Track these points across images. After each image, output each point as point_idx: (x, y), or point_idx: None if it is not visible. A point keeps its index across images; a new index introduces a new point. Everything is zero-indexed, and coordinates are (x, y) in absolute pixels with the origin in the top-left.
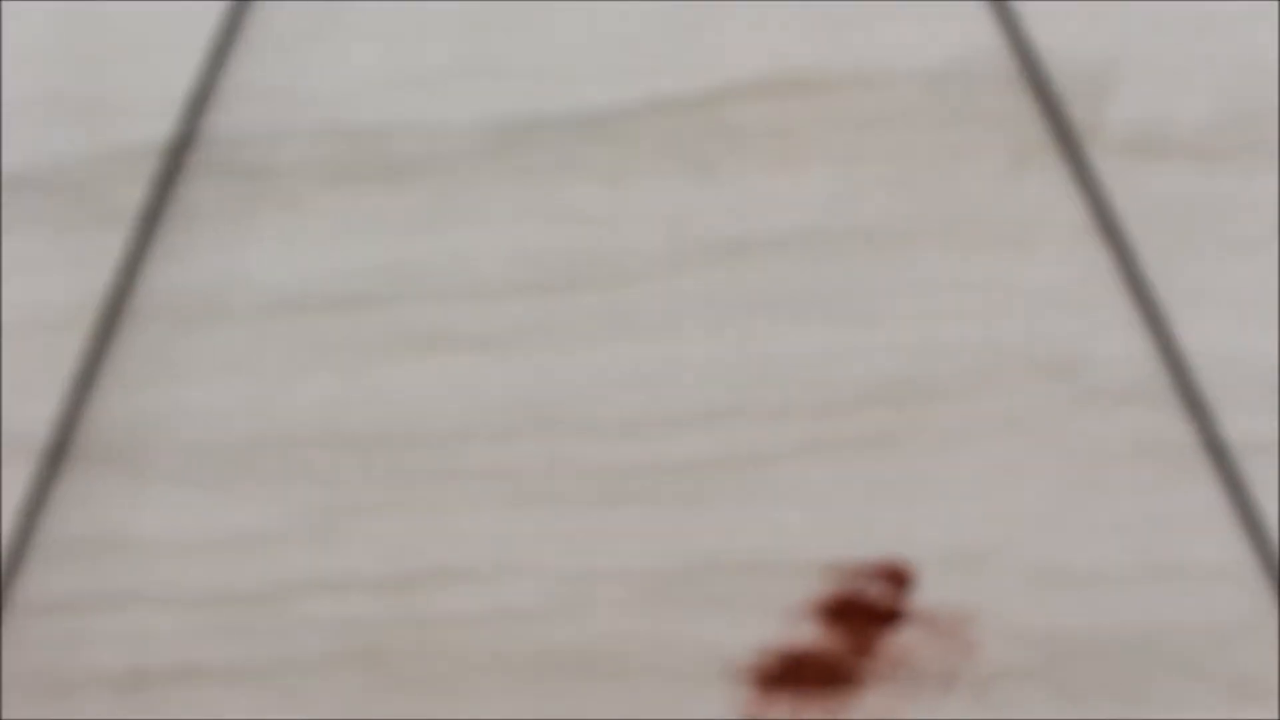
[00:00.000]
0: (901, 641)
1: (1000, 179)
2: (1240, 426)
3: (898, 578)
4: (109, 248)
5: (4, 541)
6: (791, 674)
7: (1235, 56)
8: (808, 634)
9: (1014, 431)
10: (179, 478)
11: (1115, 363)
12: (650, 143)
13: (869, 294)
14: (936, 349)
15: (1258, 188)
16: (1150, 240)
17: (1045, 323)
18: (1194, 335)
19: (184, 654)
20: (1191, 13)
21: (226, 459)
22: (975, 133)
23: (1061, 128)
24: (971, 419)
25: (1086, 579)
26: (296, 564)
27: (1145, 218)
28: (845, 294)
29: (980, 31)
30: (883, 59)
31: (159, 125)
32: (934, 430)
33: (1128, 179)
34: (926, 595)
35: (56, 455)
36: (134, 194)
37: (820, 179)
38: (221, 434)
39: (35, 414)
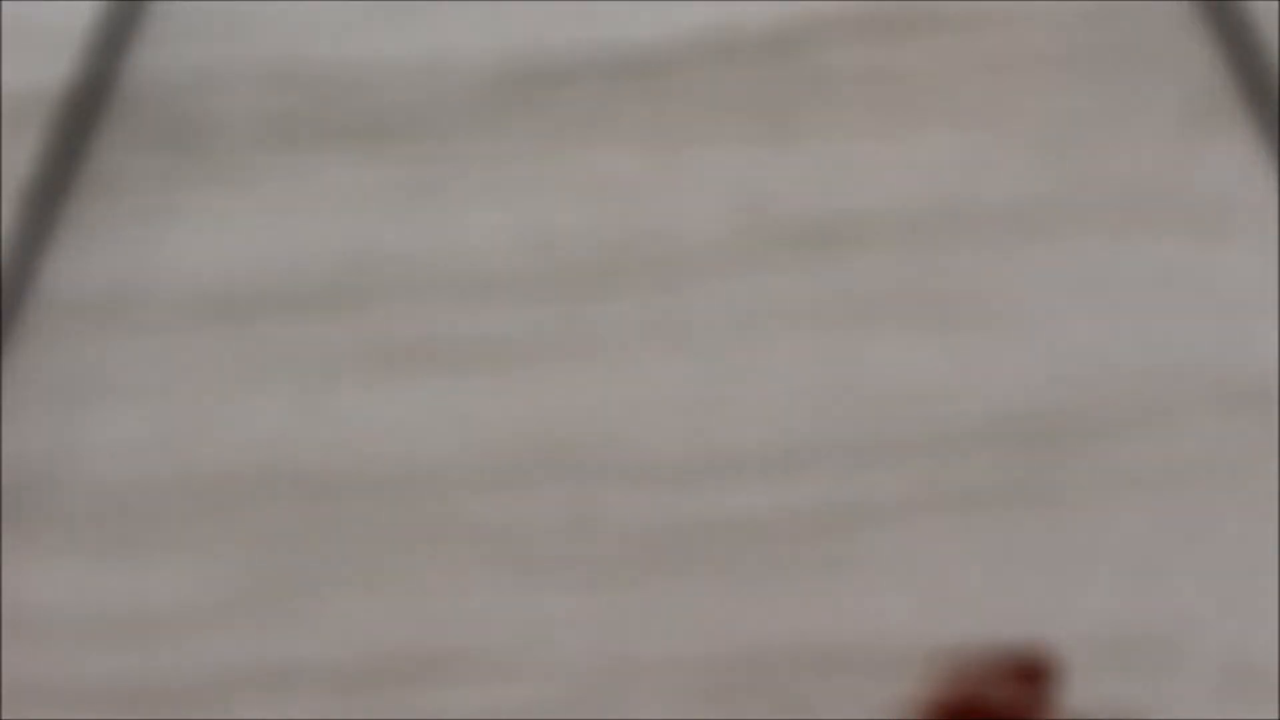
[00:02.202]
0: None
1: (1174, 145)
2: None
3: (1036, 673)
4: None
5: None
6: None
7: None
8: None
9: (1195, 479)
10: (84, 538)
11: None
12: (708, 94)
13: (996, 297)
14: (1089, 370)
15: None
16: None
17: (1234, 335)
18: None
19: None
20: None
21: (144, 512)
22: (1140, 84)
23: (1254, 76)
24: (1140, 461)
25: None
26: (234, 651)
27: None
28: (966, 297)
29: None
30: None
31: (56, 66)
32: (1086, 478)
33: None
34: (1076, 696)
35: None
36: (22, 158)
37: (935, 145)
38: (138, 479)
39: None
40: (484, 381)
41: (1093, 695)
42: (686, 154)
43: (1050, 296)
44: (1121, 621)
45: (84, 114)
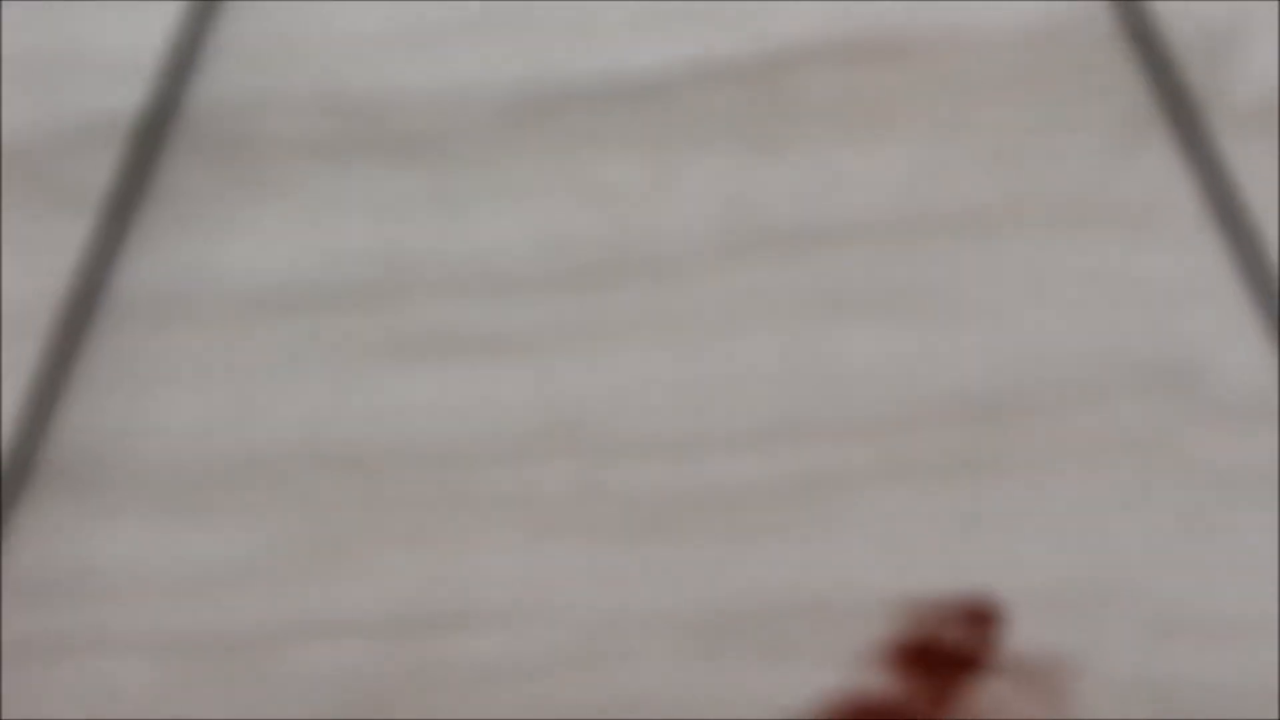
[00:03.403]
0: (987, 693)
1: (1107, 156)
2: None
3: (984, 618)
4: (71, 238)
5: None
6: None
7: None
8: (877, 683)
9: (1123, 452)
10: (150, 504)
11: (1240, 371)
12: (700, 114)
13: (954, 291)
14: (1033, 355)
15: None
16: None
17: (1159, 325)
18: None
19: (153, 706)
20: None
21: (205, 481)
22: (1078, 102)
23: (1177, 95)
24: (1074, 437)
25: (1206, 624)
26: (283, 605)
27: (1275, 200)
28: (927, 291)
29: None
30: (972, 19)
31: (129, 94)
32: (1030, 449)
33: (1254, 155)
34: (1018, 639)
35: (11, 481)
36: (100, 175)
37: (900, 157)
38: (200, 452)
39: None
40: (500, 367)
41: (1034, 639)
42: (679, 166)
43: (999, 291)
44: (1059, 575)
45: (153, 135)
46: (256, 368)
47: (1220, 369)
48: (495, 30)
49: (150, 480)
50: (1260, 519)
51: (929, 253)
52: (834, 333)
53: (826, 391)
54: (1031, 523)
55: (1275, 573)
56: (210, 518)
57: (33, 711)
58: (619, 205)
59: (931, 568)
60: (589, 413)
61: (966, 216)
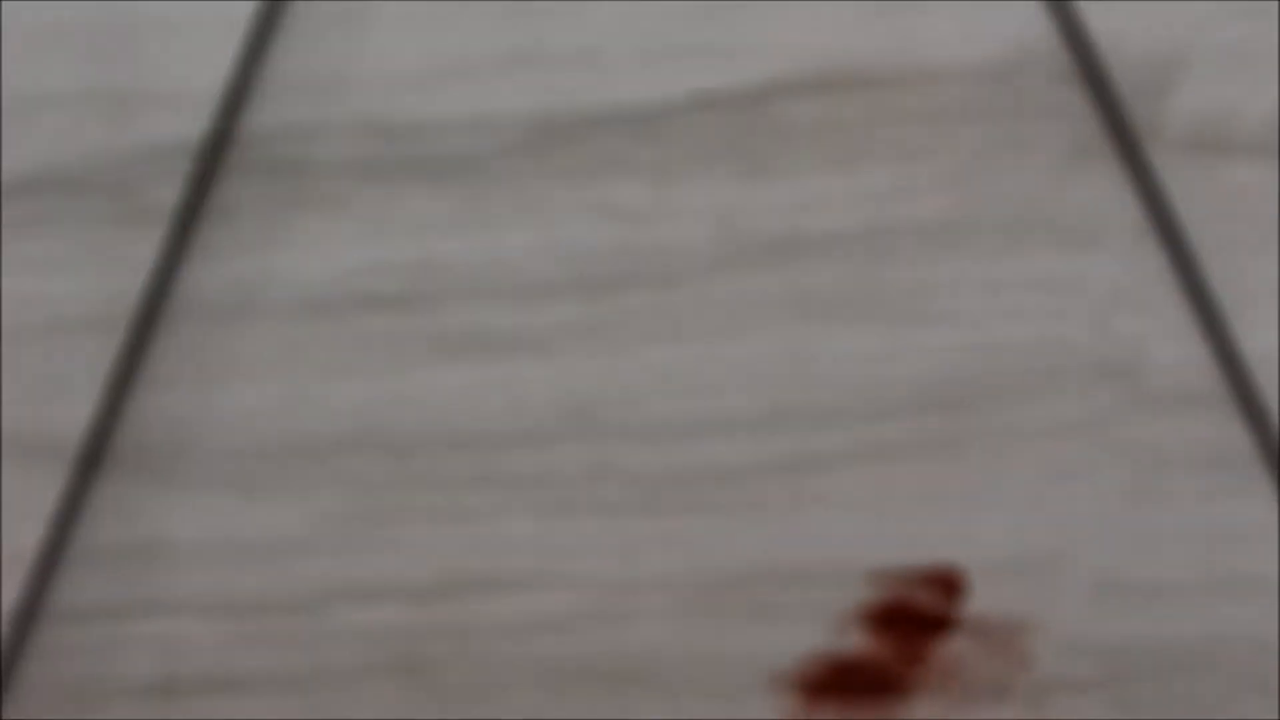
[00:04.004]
0: (952, 651)
1: (1056, 177)
2: None
3: (949, 585)
4: (143, 247)
5: (36, 550)
6: (838, 683)
7: None
8: (855, 642)
9: (1071, 436)
10: (213, 483)
11: (1175, 366)
12: (697, 140)
13: (922, 294)
14: (991, 351)
15: None
16: (1212, 240)
17: (1103, 325)
18: (1255, 339)
19: (216, 663)
20: (1254, 4)
21: (261, 463)
22: (1030, 129)
23: (1119, 124)
24: (1028, 423)
25: (1147, 589)
26: (332, 572)
27: (1206, 217)
28: (898, 295)
29: (1035, 25)
30: (935, 54)
31: (193, 121)
32: (989, 435)
33: (1188, 177)
34: (979, 603)
35: (89, 461)
36: (168, 192)
37: (872, 176)
38: (257, 438)
39: (68, 419)
40: (522, 363)
41: (992, 603)
42: (679, 186)
43: (959, 295)
44: (1014, 545)
45: (214, 158)
46: (306, 363)
47: (1155, 364)
48: (520, 65)
49: (213, 462)
50: (1191, 494)
51: (898, 262)
52: (814, 332)
53: (808, 384)
54: (989, 499)
55: (1206, 541)
56: (266, 495)
57: (110, 666)
58: (626, 220)
59: (901, 540)
60: (600, 402)
61: (930, 229)
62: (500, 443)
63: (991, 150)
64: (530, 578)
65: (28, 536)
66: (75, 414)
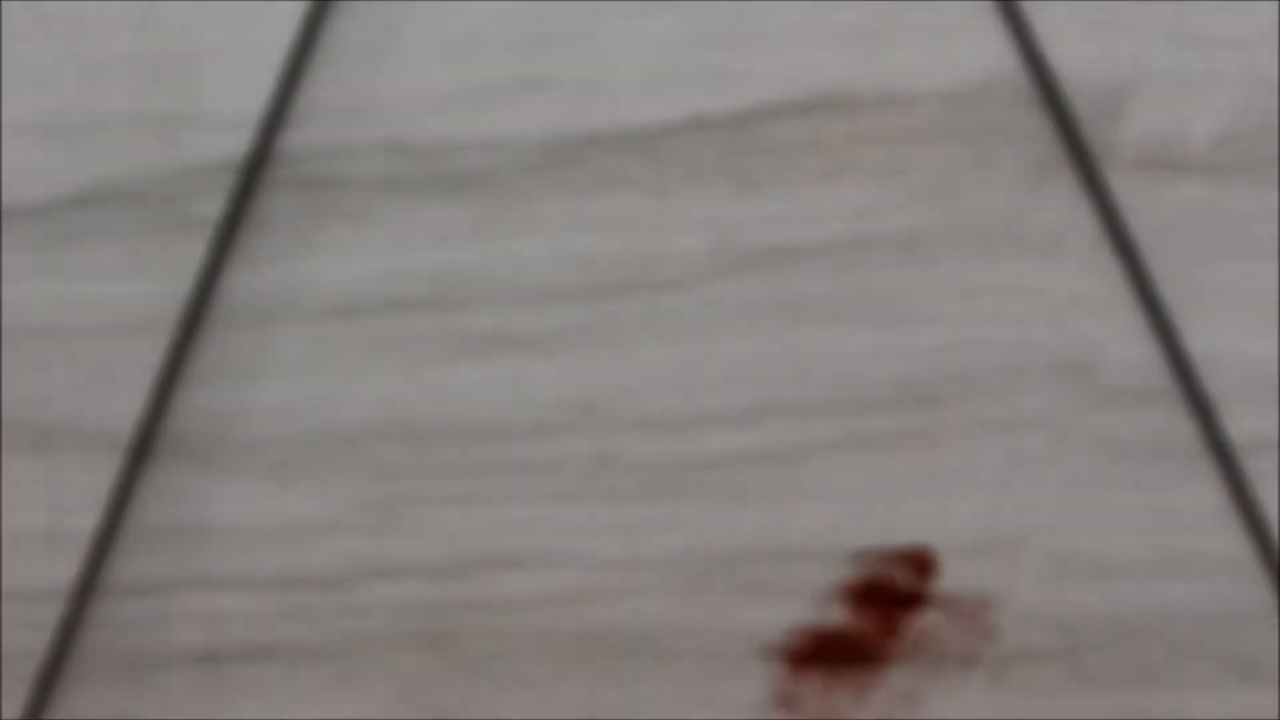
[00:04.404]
0: (924, 623)
1: (1020, 192)
2: (1244, 426)
3: (921, 564)
4: (188, 256)
5: (93, 531)
6: (821, 653)
7: (1243, 74)
8: (837, 616)
9: (1033, 429)
10: (252, 470)
11: (1128, 365)
12: (693, 158)
13: (898, 299)
14: (961, 351)
15: (1266, 201)
16: (1161, 250)
17: (1063, 327)
18: (1201, 340)
19: (256, 634)
20: (1201, 33)
21: (295, 452)
22: (996, 149)
23: (1076, 144)
24: (994, 416)
25: (1101, 567)
26: (359, 551)
27: (1157, 229)
28: (876, 299)
29: (1000, 54)
30: (909, 80)
31: (235, 141)
32: (959, 427)
33: (1140, 193)
34: (948, 581)
35: (140, 450)
36: (212, 206)
37: (852, 192)
38: (291, 429)
39: (121, 412)
40: (532, 361)
41: (961, 580)
42: (677, 200)
43: (933, 300)
44: (980, 528)
45: (254, 174)
46: (336, 361)
47: (1110, 363)
48: (531, 90)
49: (252, 451)
50: (1142, 481)
51: (876, 269)
52: (800, 334)
53: (794, 381)
54: (958, 486)
55: (1154, 524)
56: (300, 481)
57: (160, 636)
58: (628, 231)
59: (878, 523)
60: (603, 398)
61: (906, 240)
62: (512, 434)
63: (961, 168)
64: (540, 557)
65: (85, 519)
66: (127, 407)
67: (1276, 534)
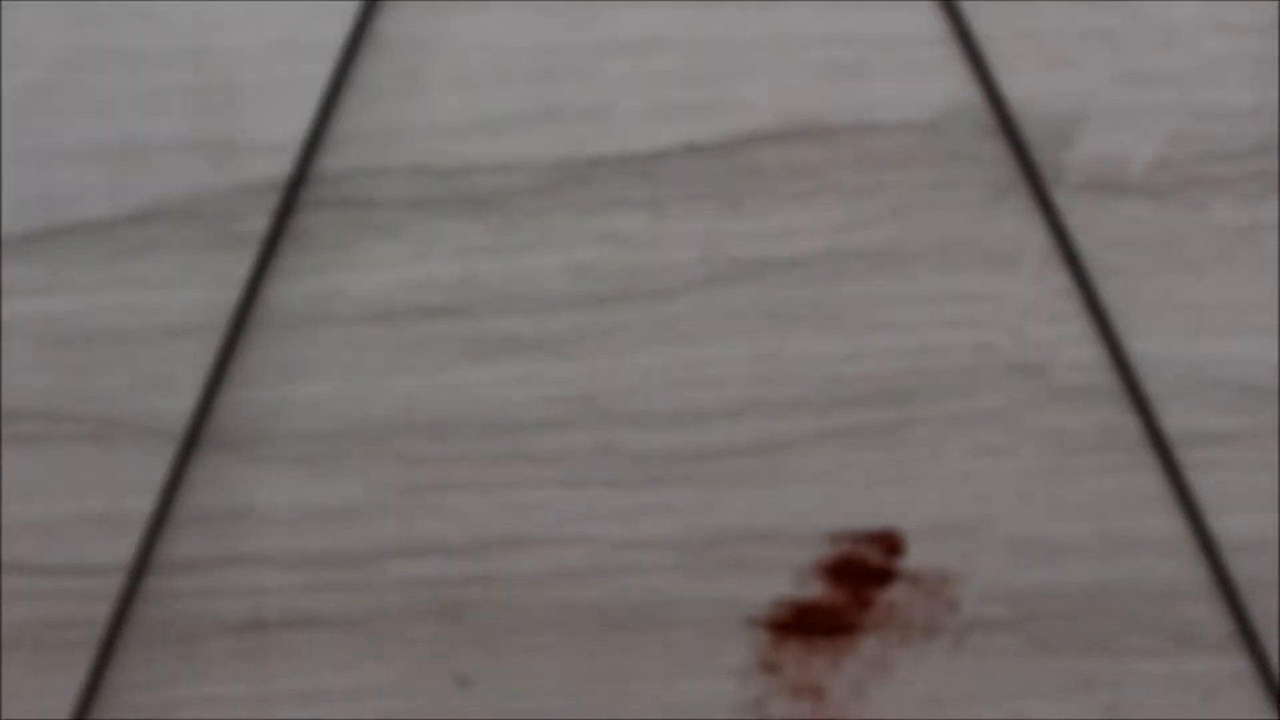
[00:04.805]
0: (893, 597)
1: (979, 211)
2: (1180, 421)
3: (890, 544)
4: (235, 268)
5: (147, 514)
6: (801, 623)
7: (1178, 107)
8: (815, 590)
9: (991, 423)
10: (290, 460)
11: (1076, 366)
12: (686, 180)
13: (870, 307)
14: (926, 354)
15: (1198, 219)
16: (1106, 263)
17: (1018, 332)
18: (1142, 344)
19: (293, 606)
20: (1140, 70)
21: (329, 444)
22: (958, 172)
23: (1029, 168)
24: (956, 412)
25: (1051, 547)
26: (384, 532)
27: (1101, 244)
28: (850, 307)
29: (962, 88)
30: (880, 111)
31: (278, 164)
32: (924, 422)
33: (1086, 212)
34: (915, 559)
35: (190, 441)
36: (257, 223)
37: (828, 210)
38: (325, 423)
39: (173, 407)
40: (542, 362)
41: (926, 559)
42: (672, 218)
43: (901, 308)
44: (944, 512)
45: (294, 194)
46: (365, 362)
47: (1061, 364)
48: (542, 119)
49: (290, 442)
50: (1089, 469)
51: (850, 280)
52: (782, 338)
53: (777, 380)
54: (924, 474)
55: (1101, 508)
56: (332, 469)
57: (207, 608)
58: (628, 246)
59: (852, 507)
60: (605, 394)
61: (877, 254)
62: (523, 427)
63: (926, 189)
64: (548, 537)
65: (140, 502)
66: (179, 403)
67: (1208, 517)
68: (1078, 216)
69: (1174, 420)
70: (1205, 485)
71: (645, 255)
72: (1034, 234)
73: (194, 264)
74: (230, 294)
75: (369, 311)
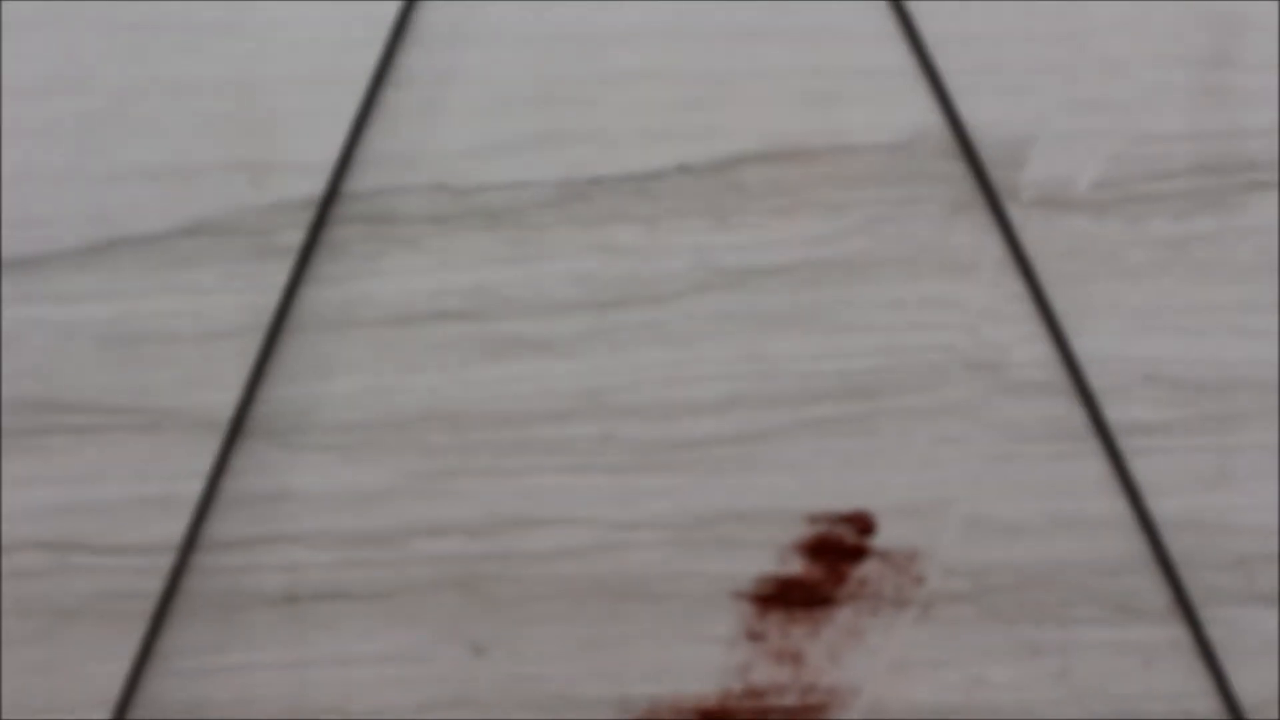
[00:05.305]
0: (864, 572)
1: (942, 225)
2: (1122, 412)
3: (862, 524)
4: (274, 276)
5: (195, 496)
6: (782, 596)
7: (1119, 131)
8: (794, 566)
9: (952, 415)
10: (324, 448)
11: (1028, 363)
12: (679, 197)
13: (843, 310)
14: (894, 352)
15: (1136, 232)
16: (1055, 271)
17: (976, 333)
18: (1087, 343)
19: (326, 580)
20: (1087, 98)
21: (359, 434)
22: (923, 190)
23: (986, 186)
24: (921, 405)
25: (1006, 526)
26: (409, 513)
27: (1051, 255)
28: (826, 310)
29: (927, 114)
30: (853, 134)
31: (312, 184)
32: (892, 414)
33: (1037, 225)
34: (884, 538)
35: (234, 431)
36: (293, 236)
37: (806, 224)
38: (355, 415)
39: (220, 400)
40: (550, 360)
41: (894, 537)
42: (666, 230)
43: (871, 311)
44: (910, 495)
45: (327, 209)
46: (392, 361)
47: (1014, 362)
48: (549, 142)
49: (324, 433)
50: (1041, 456)
51: (826, 287)
52: (765, 338)
53: (759, 376)
54: (892, 461)
55: (1051, 491)
56: (362, 457)
57: (248, 582)
58: (627, 256)
59: (828, 491)
60: (606, 390)
61: (848, 262)
62: (532, 419)
63: (894, 205)
64: (555, 518)
65: (189, 487)
66: (224, 397)
67: (1147, 499)
68: (1029, 229)
69: (1116, 412)
70: (1144, 470)
71: (641, 265)
72: (990, 245)
73: (236, 273)
74: (269, 299)
75: (393, 315)
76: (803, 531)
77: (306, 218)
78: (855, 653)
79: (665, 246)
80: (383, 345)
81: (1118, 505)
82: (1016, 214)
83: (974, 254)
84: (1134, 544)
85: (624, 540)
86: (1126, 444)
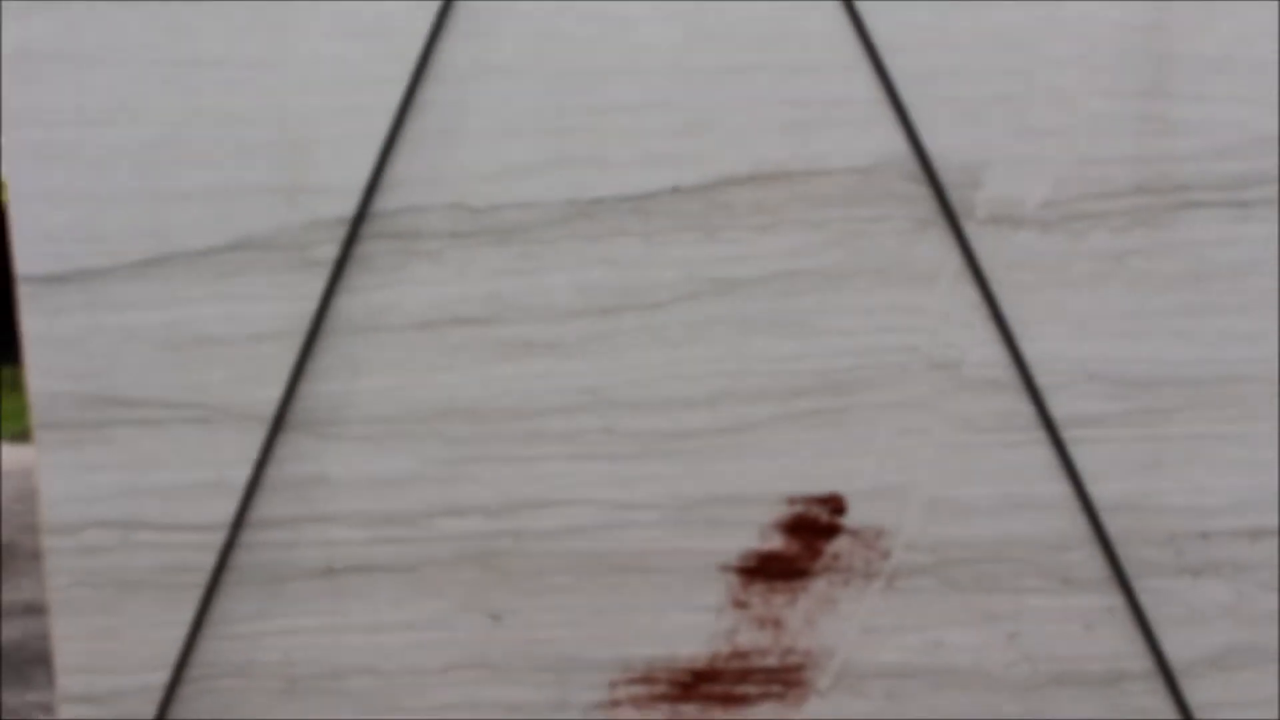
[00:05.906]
0: (837, 548)
1: (907, 240)
2: (1066, 407)
3: (835, 505)
4: (310, 286)
5: (244, 481)
6: (764, 569)
7: (1064, 156)
8: (775, 543)
9: (916, 409)
10: (357, 439)
11: (983, 363)
12: (672, 215)
13: (819, 316)
14: (864, 353)
15: (1079, 246)
16: (1007, 282)
17: (936, 336)
18: (1035, 345)
19: (359, 555)
20: (1035, 126)
21: (388, 426)
22: (889, 209)
23: (946, 205)
24: (888, 400)
25: (963, 508)
26: (433, 496)
27: (1004, 267)
28: (803, 316)
29: (892, 141)
30: (827, 159)
31: (344, 203)
32: (862, 408)
33: (991, 240)
34: (855, 517)
35: (277, 424)
36: (327, 250)
37: (787, 239)
38: (385, 409)
39: (264, 396)
40: (556, 360)
41: (863, 517)
42: (661, 244)
43: (842, 317)
44: (877, 480)
45: (358, 226)
46: (416, 361)
47: (970, 362)
48: (555, 166)
49: (357, 425)
50: (994, 445)
51: (804, 295)
52: (749, 341)
53: (745, 375)
54: (862, 450)
55: (1003, 476)
56: (391, 446)
57: (289, 557)
58: (626, 267)
59: (805, 476)
60: (607, 387)
61: (823, 273)
62: (541, 412)
63: (865, 222)
64: (563, 500)
65: (238, 473)
66: (268, 393)
67: (1088, 483)
68: (984, 244)
69: (1060, 406)
70: (1085, 458)
71: (639, 275)
72: (949, 258)
73: (277, 283)
74: (307, 307)
75: (417, 321)
76: (782, 512)
77: (340, 234)
78: (829, 619)
79: (660, 259)
80: (408, 347)
81: (1062, 489)
82: (972, 230)
83: (935, 266)
84: (1076, 523)
85: (624, 520)
86: (1069, 434)
